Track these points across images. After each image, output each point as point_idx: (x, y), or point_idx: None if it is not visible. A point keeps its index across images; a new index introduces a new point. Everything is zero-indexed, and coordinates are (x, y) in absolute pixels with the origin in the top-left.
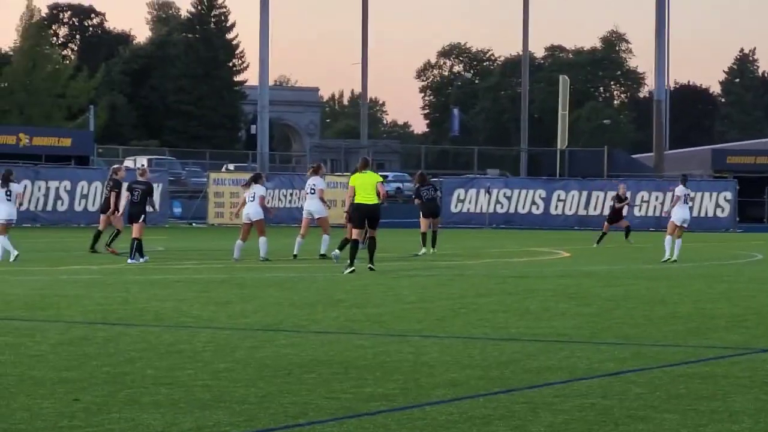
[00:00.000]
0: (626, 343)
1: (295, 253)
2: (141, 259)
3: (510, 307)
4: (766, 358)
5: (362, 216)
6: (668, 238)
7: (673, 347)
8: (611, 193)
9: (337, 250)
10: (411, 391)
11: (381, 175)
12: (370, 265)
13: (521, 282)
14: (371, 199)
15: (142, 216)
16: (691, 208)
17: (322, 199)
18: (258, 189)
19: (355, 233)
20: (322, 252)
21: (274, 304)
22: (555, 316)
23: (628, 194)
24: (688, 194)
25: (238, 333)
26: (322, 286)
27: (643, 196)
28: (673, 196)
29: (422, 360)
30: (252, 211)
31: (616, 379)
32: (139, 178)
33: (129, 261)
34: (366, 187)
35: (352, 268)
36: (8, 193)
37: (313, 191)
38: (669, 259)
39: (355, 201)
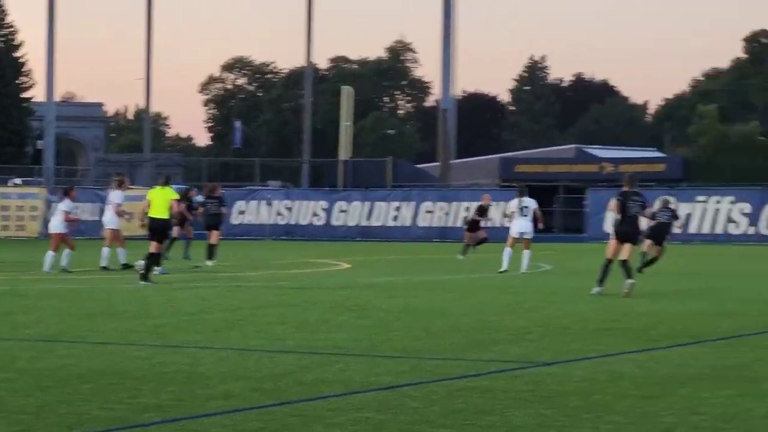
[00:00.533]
0: (405, 356)
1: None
2: None
3: (288, 319)
4: (550, 371)
5: (152, 229)
6: (507, 250)
7: (453, 360)
8: (395, 204)
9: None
10: (186, 402)
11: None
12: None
13: (301, 293)
14: (163, 214)
15: None
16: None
17: (119, 213)
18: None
19: (153, 246)
20: (123, 262)
21: (55, 314)
22: (333, 328)
23: (492, 204)
24: (526, 206)
25: (18, 344)
26: (103, 298)
27: (427, 207)
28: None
29: (198, 371)
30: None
31: (393, 392)
32: None
33: None
34: (159, 202)
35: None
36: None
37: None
38: (506, 270)
39: (149, 215)
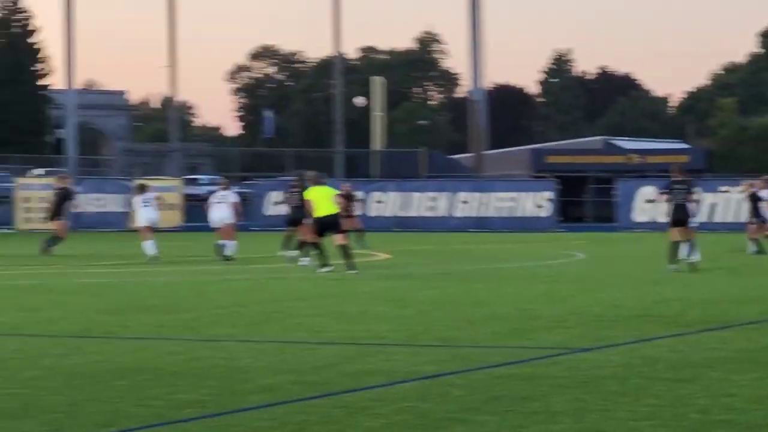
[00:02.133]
0: (445, 345)
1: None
2: None
3: (327, 311)
4: (586, 357)
5: (323, 227)
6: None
7: (492, 348)
8: (430, 194)
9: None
10: (224, 397)
11: (193, 178)
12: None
13: (339, 285)
14: (331, 210)
15: None
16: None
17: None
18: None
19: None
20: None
21: (85, 310)
22: (373, 318)
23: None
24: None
25: (47, 340)
26: (133, 292)
27: (462, 197)
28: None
29: (236, 365)
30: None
31: (435, 381)
32: None
33: None
34: (323, 200)
35: (329, 267)
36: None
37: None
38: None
39: (316, 215)
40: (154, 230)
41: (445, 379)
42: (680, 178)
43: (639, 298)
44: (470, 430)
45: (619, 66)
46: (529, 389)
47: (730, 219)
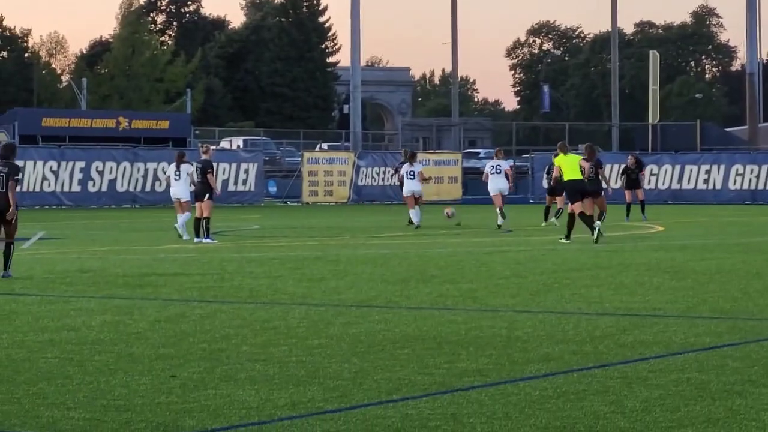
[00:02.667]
0: (722, 317)
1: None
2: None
3: (604, 282)
4: None
5: (576, 191)
6: None
7: None
8: (704, 167)
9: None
10: (504, 366)
11: (473, 152)
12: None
13: (615, 256)
14: (576, 175)
15: (208, 194)
16: None
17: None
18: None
19: (574, 207)
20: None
21: (368, 280)
22: (649, 290)
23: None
24: None
25: (331, 309)
26: (415, 263)
27: (737, 170)
28: None
29: (515, 335)
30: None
31: (713, 353)
32: (203, 156)
33: (204, 240)
34: (572, 166)
35: (568, 240)
36: (177, 173)
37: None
38: None
39: (565, 179)
40: (417, 200)
41: (722, 350)
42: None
43: None
44: (749, 403)
45: None
46: None
47: None
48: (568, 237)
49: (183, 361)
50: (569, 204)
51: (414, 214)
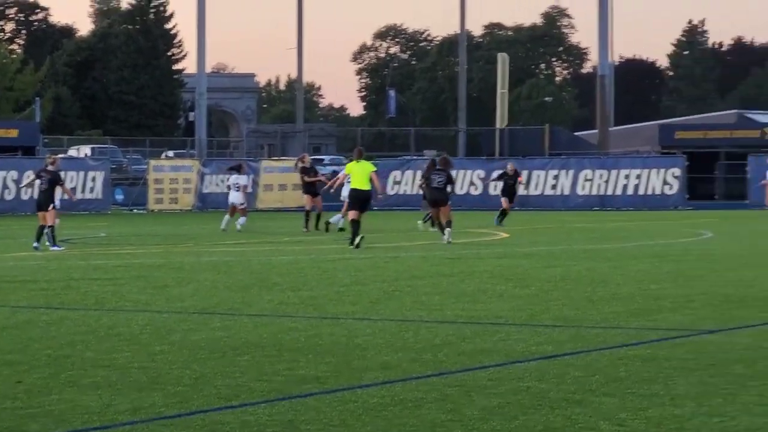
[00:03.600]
0: (565, 325)
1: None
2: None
3: (446, 290)
4: (712, 339)
5: (357, 200)
6: None
7: (613, 329)
8: (552, 172)
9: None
10: (343, 373)
11: (318, 159)
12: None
13: (458, 264)
14: (364, 186)
15: (51, 204)
16: None
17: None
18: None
19: (352, 214)
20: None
21: (210, 287)
22: (492, 298)
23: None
24: None
25: (174, 316)
26: (257, 270)
27: (586, 175)
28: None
29: (355, 342)
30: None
31: (554, 362)
32: (49, 167)
33: (52, 248)
34: (360, 175)
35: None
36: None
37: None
38: None
39: (351, 187)
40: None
41: (563, 359)
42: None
43: None
44: (588, 412)
45: (757, 36)
46: (651, 371)
47: None
48: (352, 242)
49: (29, 367)
50: (350, 211)
51: (224, 221)
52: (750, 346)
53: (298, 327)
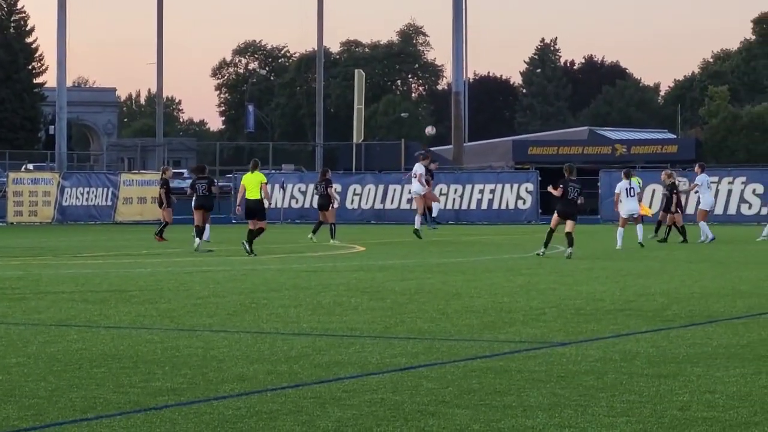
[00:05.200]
0: (419, 337)
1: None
2: None
3: (302, 302)
4: (563, 352)
5: (248, 209)
6: (620, 230)
7: (467, 341)
8: (408, 187)
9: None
10: (199, 385)
11: (177, 172)
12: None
13: (314, 277)
14: (255, 195)
15: None
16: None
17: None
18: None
19: (252, 224)
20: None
21: (68, 300)
22: (348, 310)
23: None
24: (632, 187)
25: (31, 328)
26: (115, 282)
27: (441, 189)
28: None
29: (211, 354)
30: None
31: (408, 374)
32: None
33: None
34: (252, 185)
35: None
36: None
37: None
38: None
39: (247, 197)
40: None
41: (417, 371)
42: (574, 178)
43: (621, 291)
44: (442, 423)
45: (607, 55)
46: (504, 383)
47: (718, 211)
48: (250, 251)
49: None
50: (249, 221)
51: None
52: (600, 358)
53: (155, 339)
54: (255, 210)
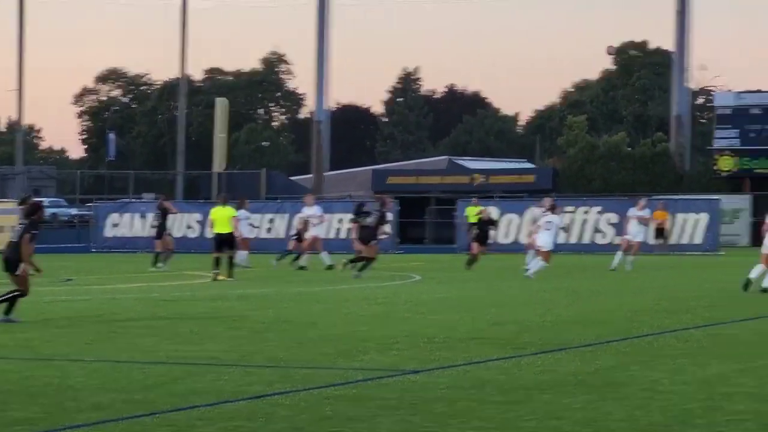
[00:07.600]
0: (275, 365)
1: None
2: None
3: (160, 331)
4: (416, 379)
5: (219, 242)
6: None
7: (322, 369)
8: (268, 216)
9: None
10: (55, 415)
11: (38, 201)
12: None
13: (173, 305)
14: (226, 229)
15: None
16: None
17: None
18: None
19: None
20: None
21: None
22: (205, 339)
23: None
24: (549, 221)
25: None
26: None
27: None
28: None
29: (68, 384)
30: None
31: (263, 401)
32: None
33: None
34: (222, 219)
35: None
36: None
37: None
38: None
39: (215, 231)
40: None
41: (272, 399)
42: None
43: (474, 320)
44: None
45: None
46: (357, 410)
47: (573, 240)
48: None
49: None
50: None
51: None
52: (451, 385)
53: (12, 368)
54: (225, 241)
